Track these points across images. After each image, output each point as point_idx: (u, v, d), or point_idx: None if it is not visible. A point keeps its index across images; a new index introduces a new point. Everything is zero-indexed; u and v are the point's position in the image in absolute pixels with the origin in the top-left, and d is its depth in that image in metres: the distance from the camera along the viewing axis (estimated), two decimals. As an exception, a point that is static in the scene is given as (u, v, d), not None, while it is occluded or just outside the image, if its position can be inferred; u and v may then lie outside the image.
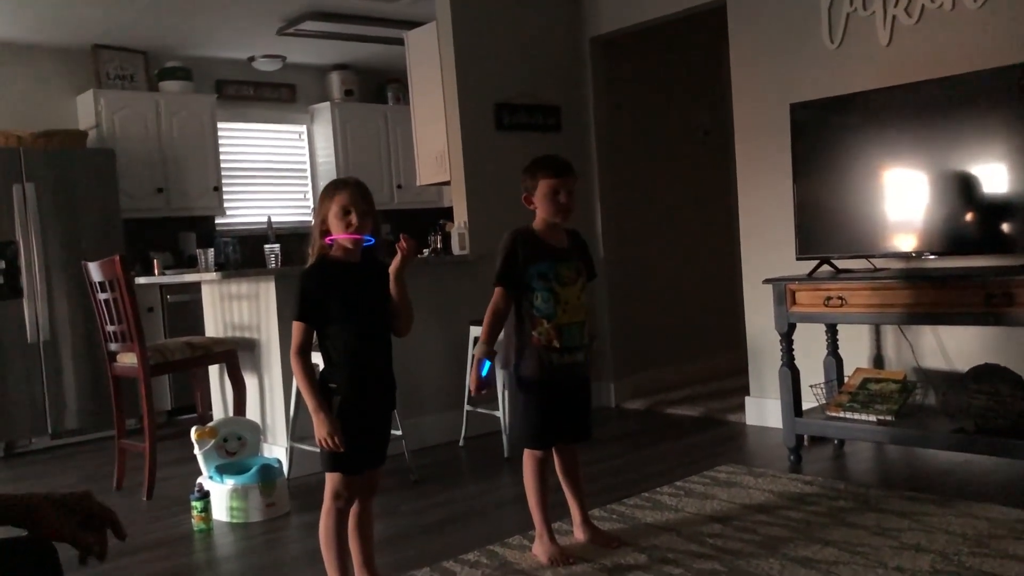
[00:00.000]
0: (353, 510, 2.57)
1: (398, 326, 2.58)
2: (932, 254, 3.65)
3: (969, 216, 3.56)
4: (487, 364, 2.81)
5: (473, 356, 2.85)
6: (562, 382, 2.84)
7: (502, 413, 4.37)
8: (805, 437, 3.98)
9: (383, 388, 2.55)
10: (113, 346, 4.17)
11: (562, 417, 2.89)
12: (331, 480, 2.50)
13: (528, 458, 2.89)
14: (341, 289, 2.46)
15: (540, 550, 2.85)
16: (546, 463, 2.90)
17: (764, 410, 4.61)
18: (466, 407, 4.65)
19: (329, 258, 2.48)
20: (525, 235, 2.85)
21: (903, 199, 3.71)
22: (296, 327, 2.45)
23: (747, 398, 4.77)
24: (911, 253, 3.71)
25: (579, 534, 3.01)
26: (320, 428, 2.41)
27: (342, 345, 2.47)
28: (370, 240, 2.50)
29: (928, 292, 3.43)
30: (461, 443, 4.68)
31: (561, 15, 5.45)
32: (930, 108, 3.63)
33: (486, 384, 2.82)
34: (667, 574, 2.67)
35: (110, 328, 4.13)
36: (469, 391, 2.86)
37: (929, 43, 3.90)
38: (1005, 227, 3.46)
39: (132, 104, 6.23)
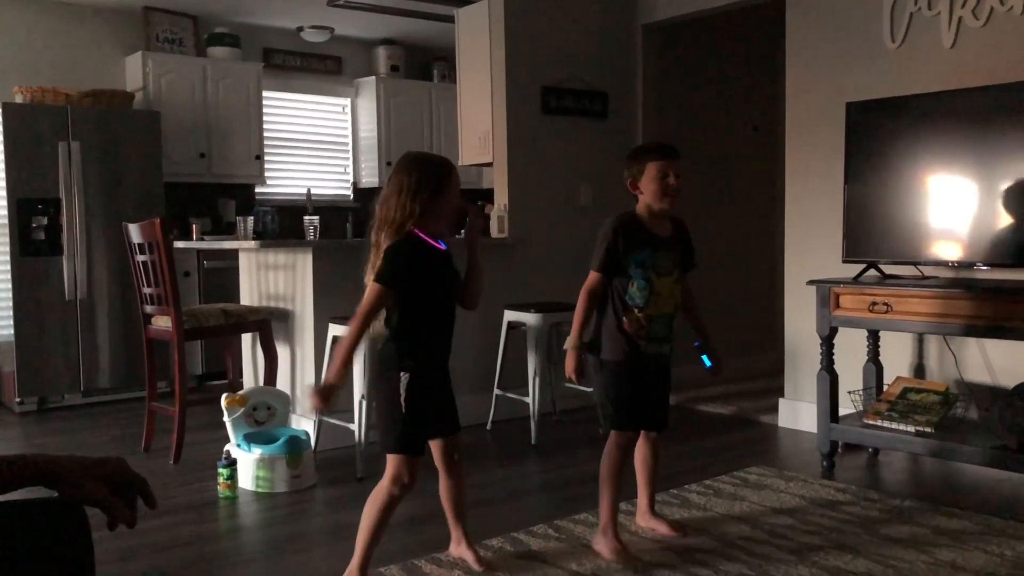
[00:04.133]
0: (442, 484, 2.66)
1: (469, 297, 2.61)
2: (984, 265, 3.55)
3: (1026, 228, 3.45)
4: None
5: (566, 348, 2.76)
6: (646, 369, 2.80)
7: (531, 399, 4.34)
8: (839, 444, 3.90)
9: (446, 360, 2.58)
10: (149, 308, 4.18)
11: (645, 404, 2.84)
12: (394, 462, 2.46)
13: (613, 442, 2.79)
14: (430, 263, 2.46)
15: (604, 546, 2.75)
16: (630, 449, 2.83)
17: (798, 413, 4.53)
18: (495, 391, 4.62)
19: (416, 235, 2.43)
20: (628, 221, 2.78)
21: (958, 207, 3.61)
22: (377, 291, 2.38)
23: (781, 399, 4.69)
24: (962, 263, 3.61)
25: (642, 521, 2.99)
26: (321, 391, 2.35)
27: (425, 319, 2.47)
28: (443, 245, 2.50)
29: (978, 304, 3.33)
30: (489, 426, 4.65)
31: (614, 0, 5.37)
32: (992, 115, 3.51)
33: (584, 372, 2.78)
34: (694, 574, 2.62)
35: (147, 290, 4.14)
36: (570, 379, 2.79)
37: (996, 47, 3.77)
38: (1063, 241, 3.35)
39: (179, 68, 6.24)
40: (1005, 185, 3.47)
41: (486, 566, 2.67)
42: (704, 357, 2.94)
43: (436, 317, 2.51)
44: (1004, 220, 3.49)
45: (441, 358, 2.55)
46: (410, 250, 2.41)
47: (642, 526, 2.99)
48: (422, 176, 2.42)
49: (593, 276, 2.77)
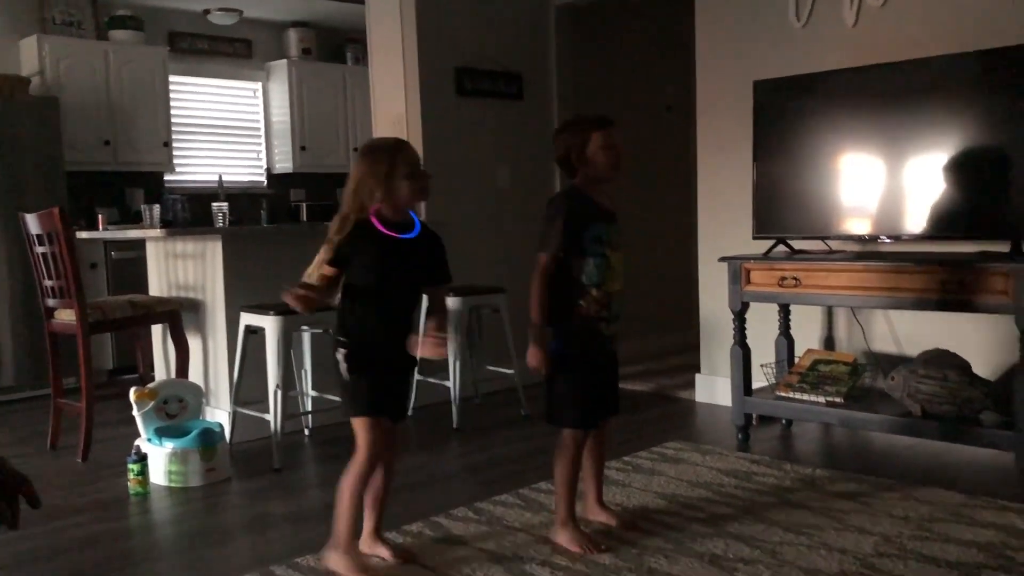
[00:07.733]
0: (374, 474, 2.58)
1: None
2: (888, 238, 3.65)
3: (926, 202, 3.55)
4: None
5: (533, 339, 2.63)
6: (602, 355, 2.70)
7: (452, 383, 4.32)
8: (754, 416, 3.99)
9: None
10: (51, 302, 4.02)
11: (601, 392, 2.74)
12: (362, 425, 2.47)
13: (569, 440, 2.67)
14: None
15: (567, 538, 2.66)
16: (585, 442, 2.72)
17: (714, 388, 4.61)
18: (416, 376, 4.58)
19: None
20: (578, 196, 2.66)
21: (862, 182, 3.70)
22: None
23: (697, 375, 4.77)
24: (867, 237, 3.71)
25: (591, 515, 2.87)
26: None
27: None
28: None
29: (882, 276, 3.42)
30: (410, 412, 4.62)
31: (527, -20, 5.35)
32: (892, 91, 3.61)
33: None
34: (612, 549, 2.64)
35: (48, 283, 3.98)
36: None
37: (895, 26, 3.87)
38: (961, 215, 3.46)
39: (79, 52, 6.00)
40: (907, 160, 3.58)
41: (403, 559, 2.61)
42: None
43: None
44: (906, 194, 3.59)
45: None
46: None
47: (591, 520, 2.86)
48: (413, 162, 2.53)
49: (547, 259, 2.61)
